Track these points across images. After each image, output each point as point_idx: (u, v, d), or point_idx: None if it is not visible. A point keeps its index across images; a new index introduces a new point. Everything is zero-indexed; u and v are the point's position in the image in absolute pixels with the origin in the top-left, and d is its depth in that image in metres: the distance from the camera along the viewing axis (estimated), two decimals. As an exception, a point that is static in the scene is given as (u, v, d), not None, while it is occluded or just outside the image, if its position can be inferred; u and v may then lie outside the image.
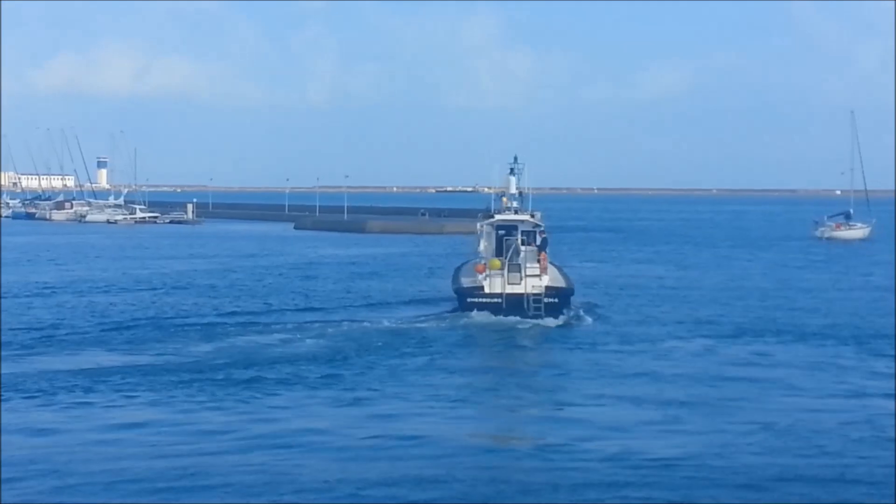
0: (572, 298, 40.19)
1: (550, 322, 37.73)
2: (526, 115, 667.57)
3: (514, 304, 38.56)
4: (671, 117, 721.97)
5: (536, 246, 40.63)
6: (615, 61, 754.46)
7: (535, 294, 38.56)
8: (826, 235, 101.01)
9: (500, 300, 38.72)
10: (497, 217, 42.75)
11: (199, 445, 20.92)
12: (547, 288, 39.01)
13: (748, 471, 19.26)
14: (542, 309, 38.30)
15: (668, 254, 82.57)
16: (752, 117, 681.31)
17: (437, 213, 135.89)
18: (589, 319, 39.42)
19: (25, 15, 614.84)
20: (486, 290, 39.06)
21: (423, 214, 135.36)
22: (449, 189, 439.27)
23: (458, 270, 47.02)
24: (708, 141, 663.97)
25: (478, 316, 38.50)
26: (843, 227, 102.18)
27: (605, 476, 18.90)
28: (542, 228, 41.99)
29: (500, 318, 38.18)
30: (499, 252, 41.09)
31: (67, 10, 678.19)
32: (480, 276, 39.68)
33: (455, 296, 41.58)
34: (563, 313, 38.81)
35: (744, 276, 60.93)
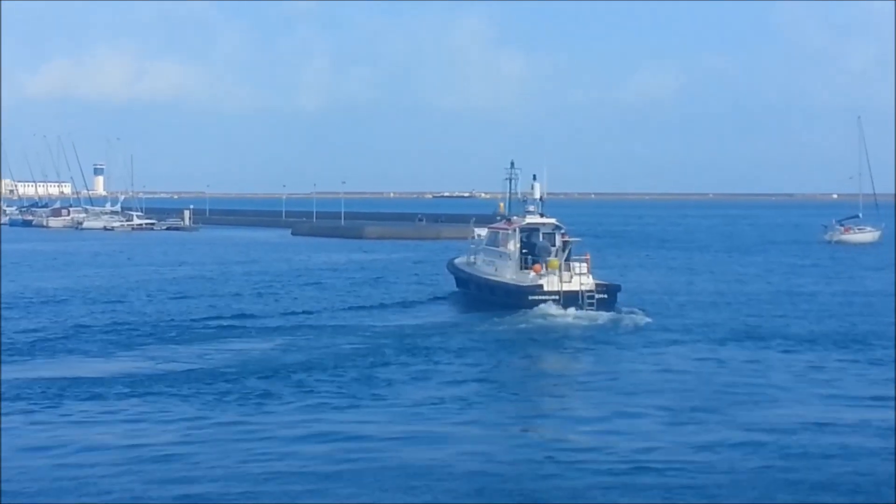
0: (619, 295, 43.13)
1: (640, 318, 40.24)
2: (519, 118, 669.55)
3: (570, 300, 41.53)
4: (665, 120, 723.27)
5: (559, 248, 43.64)
6: (606, 63, 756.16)
7: (588, 291, 41.70)
8: (835, 239, 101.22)
9: (557, 297, 41.57)
10: (526, 220, 46.01)
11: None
12: (597, 285, 42.21)
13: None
14: (595, 304, 41.40)
15: (678, 259, 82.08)
16: (744, 120, 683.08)
17: (434, 219, 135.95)
18: (643, 314, 41.27)
19: (17, 20, 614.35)
20: (546, 288, 42.02)
21: (421, 220, 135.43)
22: (446, 194, 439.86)
23: (453, 264, 52.50)
24: (702, 144, 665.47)
25: (558, 311, 41.04)
26: (852, 231, 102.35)
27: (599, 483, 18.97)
28: (563, 231, 45.00)
29: (577, 311, 40.94)
30: (524, 251, 44.88)
31: (58, 15, 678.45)
32: (533, 276, 42.99)
33: (471, 289, 47.02)
34: (613, 308, 41.70)
35: (758, 281, 60.88)
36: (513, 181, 50.43)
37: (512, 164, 50.63)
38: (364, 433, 22.45)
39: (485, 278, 47.18)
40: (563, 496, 18.16)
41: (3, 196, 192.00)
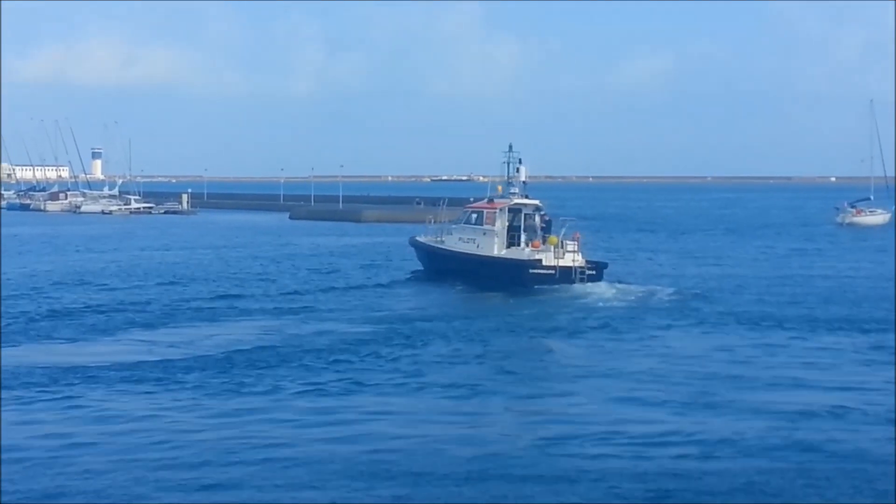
0: (605, 271, 46.31)
1: (665, 293, 43.55)
2: (514, 103, 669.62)
3: (564, 275, 44.71)
4: (661, 104, 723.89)
5: (541, 227, 47.46)
6: (600, 48, 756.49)
7: (580, 266, 44.95)
8: (847, 221, 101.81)
9: (554, 271, 44.60)
10: (513, 201, 48.74)
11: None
12: (587, 262, 45.47)
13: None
14: (586, 279, 44.69)
15: (688, 243, 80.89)
16: (740, 105, 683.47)
17: (432, 203, 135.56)
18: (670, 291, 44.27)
19: (8, 6, 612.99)
20: (545, 263, 45.14)
21: (419, 203, 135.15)
22: (444, 178, 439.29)
23: (420, 242, 54.55)
24: (699, 129, 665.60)
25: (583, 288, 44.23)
26: (864, 213, 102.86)
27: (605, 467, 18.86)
28: (543, 212, 48.44)
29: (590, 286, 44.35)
30: (509, 229, 48.01)
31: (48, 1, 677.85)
32: (530, 251, 46.32)
33: (467, 264, 48.74)
34: (603, 282, 45.13)
35: (778, 265, 60.46)
36: (511, 164, 50.94)
37: (510, 147, 51.18)
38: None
39: (472, 255, 48.91)
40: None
41: (1, 181, 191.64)
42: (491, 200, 50.10)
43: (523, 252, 46.74)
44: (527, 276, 45.22)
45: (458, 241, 50.85)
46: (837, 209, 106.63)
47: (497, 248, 47.99)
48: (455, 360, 29.36)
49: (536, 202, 48.68)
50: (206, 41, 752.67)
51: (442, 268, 51.25)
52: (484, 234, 48.94)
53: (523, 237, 47.46)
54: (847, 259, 64.27)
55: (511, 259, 47.11)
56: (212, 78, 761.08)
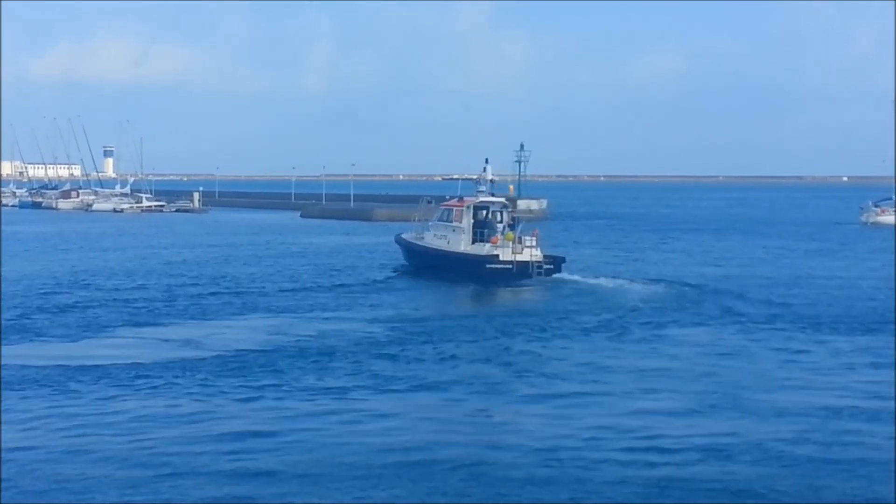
0: (563, 265, 48.28)
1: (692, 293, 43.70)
2: (525, 100, 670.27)
3: (522, 269, 46.18)
4: (671, 102, 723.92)
5: (508, 224, 49.06)
6: (613, 45, 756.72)
7: (537, 261, 46.56)
8: (872, 220, 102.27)
9: (511, 266, 46.09)
10: (479, 199, 51.06)
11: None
12: (544, 256, 47.15)
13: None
14: (543, 273, 46.31)
15: (717, 244, 78.78)
16: (750, 103, 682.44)
17: (443, 201, 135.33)
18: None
19: (21, 4, 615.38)
20: (502, 258, 46.67)
21: (429, 202, 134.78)
22: (455, 176, 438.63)
23: (403, 240, 56.95)
24: (709, 127, 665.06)
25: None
26: (887, 213, 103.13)
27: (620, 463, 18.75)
28: (509, 209, 51.06)
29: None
30: (475, 226, 49.81)
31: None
32: (489, 246, 47.73)
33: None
34: (637, 282, 46.61)
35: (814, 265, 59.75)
36: (522, 163, 51.69)
37: (522, 146, 51.91)
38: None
39: (442, 251, 51.20)
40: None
41: (13, 178, 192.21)
42: (461, 199, 52.29)
43: (483, 248, 48.33)
44: (484, 270, 46.96)
45: (433, 238, 53.04)
46: (862, 208, 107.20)
47: (464, 245, 49.97)
48: (477, 358, 29.34)
49: (502, 200, 51.06)
50: (217, 39, 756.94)
51: (420, 263, 53.27)
52: (453, 230, 51.11)
53: (489, 234, 48.91)
54: (882, 259, 63.12)
55: (471, 254, 48.92)
56: (223, 75, 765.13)
